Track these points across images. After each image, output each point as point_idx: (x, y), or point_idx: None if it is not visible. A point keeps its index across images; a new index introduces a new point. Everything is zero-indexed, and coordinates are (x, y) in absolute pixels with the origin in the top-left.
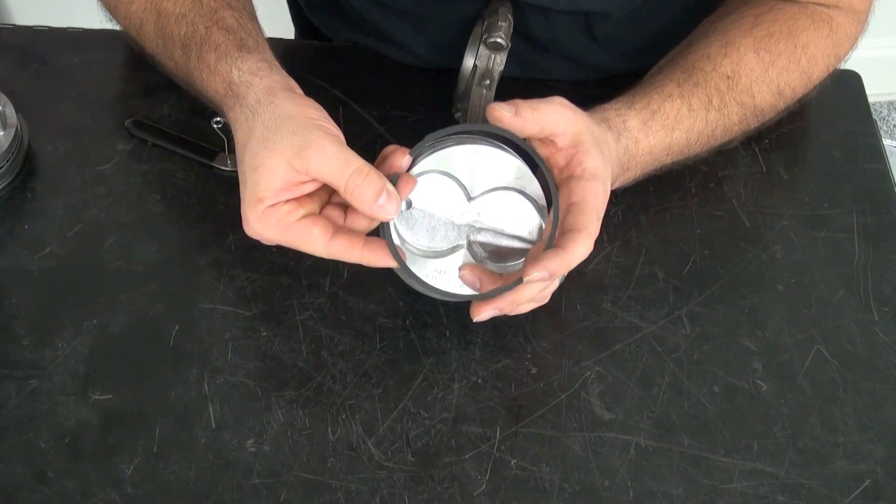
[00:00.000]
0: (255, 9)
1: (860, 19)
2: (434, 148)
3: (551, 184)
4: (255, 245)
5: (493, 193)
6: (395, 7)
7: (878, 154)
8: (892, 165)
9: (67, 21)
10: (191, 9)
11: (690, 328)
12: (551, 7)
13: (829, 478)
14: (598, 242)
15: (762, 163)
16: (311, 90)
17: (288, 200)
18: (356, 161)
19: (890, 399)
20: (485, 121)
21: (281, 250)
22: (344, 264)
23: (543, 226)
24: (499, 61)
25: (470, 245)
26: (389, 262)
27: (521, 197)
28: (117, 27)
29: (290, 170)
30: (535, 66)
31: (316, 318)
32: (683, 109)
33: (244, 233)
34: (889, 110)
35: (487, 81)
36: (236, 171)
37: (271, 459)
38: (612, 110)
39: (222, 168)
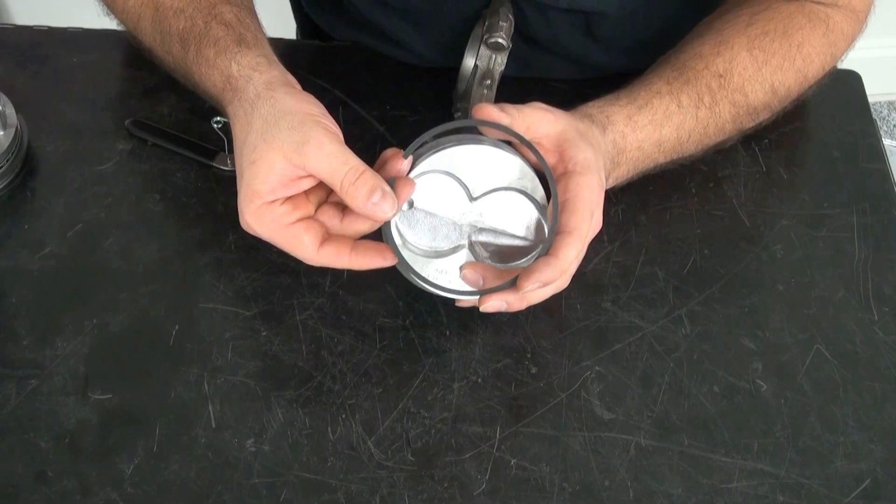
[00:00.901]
0: (257, 7)
1: (858, 18)
2: (436, 148)
3: (550, 181)
4: (255, 245)
5: (494, 193)
6: (396, 5)
7: (878, 154)
8: (892, 165)
9: (67, 21)
10: (189, 3)
11: (690, 328)
12: (552, 5)
13: (829, 477)
14: (599, 242)
15: (762, 163)
16: (311, 90)
17: (284, 201)
18: (353, 160)
19: (890, 399)
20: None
21: (281, 250)
22: None
23: (545, 226)
24: (499, 61)
25: (472, 245)
26: (378, 263)
27: (522, 197)
28: (117, 26)
29: (288, 164)
30: (534, 66)
31: (316, 318)
32: (672, 106)
33: (244, 232)
34: (889, 110)
35: (488, 81)
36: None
37: (271, 459)
38: (595, 107)
39: (222, 168)
